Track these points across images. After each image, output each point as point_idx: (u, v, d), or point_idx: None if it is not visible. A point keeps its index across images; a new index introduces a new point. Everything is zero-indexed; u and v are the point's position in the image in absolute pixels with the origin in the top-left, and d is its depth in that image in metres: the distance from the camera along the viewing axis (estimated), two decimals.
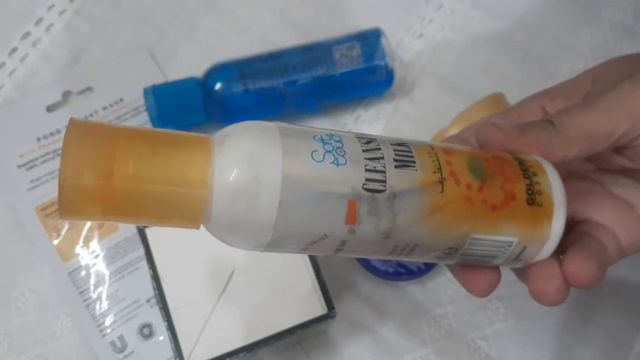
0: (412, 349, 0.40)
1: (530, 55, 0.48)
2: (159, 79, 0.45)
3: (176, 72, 0.46)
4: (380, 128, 0.46)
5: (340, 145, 0.23)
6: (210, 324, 0.34)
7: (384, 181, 0.23)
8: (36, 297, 0.41)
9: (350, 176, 0.22)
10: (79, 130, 0.20)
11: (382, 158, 0.23)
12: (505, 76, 0.47)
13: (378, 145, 0.23)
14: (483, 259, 0.26)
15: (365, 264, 0.41)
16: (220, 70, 0.43)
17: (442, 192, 0.23)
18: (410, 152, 0.24)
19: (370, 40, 0.44)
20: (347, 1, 0.49)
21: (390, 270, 0.40)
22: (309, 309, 0.34)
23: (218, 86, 0.42)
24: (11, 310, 0.40)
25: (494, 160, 0.25)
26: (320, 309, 0.34)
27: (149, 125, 0.44)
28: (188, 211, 0.21)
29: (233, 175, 0.21)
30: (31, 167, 0.43)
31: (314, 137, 0.22)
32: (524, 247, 0.26)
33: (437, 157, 0.24)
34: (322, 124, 0.46)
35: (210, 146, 0.22)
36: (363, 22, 0.47)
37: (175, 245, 0.35)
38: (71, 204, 0.20)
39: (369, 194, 0.22)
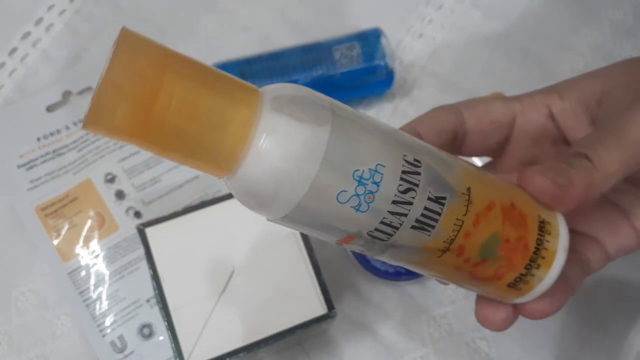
0: (412, 349, 0.40)
1: (530, 55, 0.48)
2: None
3: None
4: None
5: (374, 189, 0.21)
6: (210, 324, 0.34)
7: (392, 235, 0.22)
8: (36, 297, 0.41)
9: (362, 222, 0.22)
10: (129, 44, 0.19)
11: (406, 215, 0.22)
12: (505, 76, 0.47)
13: (413, 198, 0.22)
14: None
15: (365, 263, 0.41)
16: None
17: (439, 257, 0.23)
18: (439, 215, 0.22)
19: (370, 40, 0.44)
20: (347, 1, 0.49)
21: (390, 270, 0.40)
22: (309, 309, 0.34)
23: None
24: (11, 310, 0.40)
25: (515, 243, 0.24)
26: (320, 309, 0.34)
27: None
28: (217, 161, 0.21)
29: (255, 179, 0.20)
30: (31, 167, 0.43)
31: (354, 172, 0.21)
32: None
33: (461, 227, 0.23)
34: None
35: (258, 106, 0.21)
36: (363, 22, 0.47)
37: (175, 245, 0.35)
38: (104, 119, 0.19)
39: (370, 237, 0.22)
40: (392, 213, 0.22)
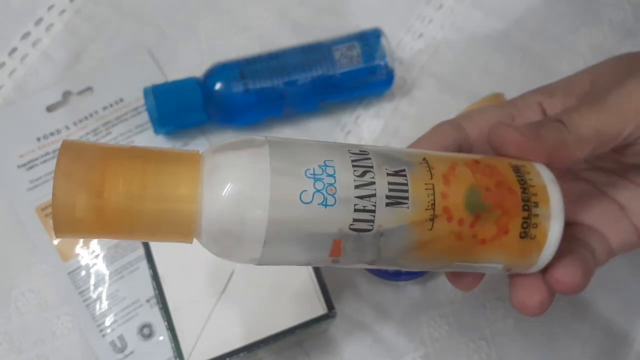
0: (412, 349, 0.40)
1: (530, 55, 0.48)
2: (159, 79, 0.45)
3: (176, 72, 0.46)
4: (380, 128, 0.46)
5: (332, 181, 0.22)
6: (210, 324, 0.34)
7: (372, 221, 0.22)
8: (36, 297, 0.41)
9: (337, 217, 0.22)
10: (70, 151, 0.21)
11: (374, 195, 0.22)
12: (505, 76, 0.47)
13: (373, 178, 0.22)
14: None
15: None
16: (220, 70, 0.43)
17: (431, 229, 0.23)
18: (406, 184, 0.23)
19: (370, 40, 0.44)
20: (347, 1, 0.49)
21: (390, 270, 0.40)
22: (309, 308, 0.34)
23: (218, 86, 0.42)
24: (11, 310, 0.40)
25: (496, 189, 0.24)
26: (320, 309, 0.34)
27: (149, 125, 0.44)
28: (179, 228, 0.22)
29: (219, 214, 0.21)
30: (31, 167, 0.43)
31: (306, 171, 0.21)
32: (509, 269, 0.26)
33: (433, 189, 0.23)
34: (322, 123, 0.46)
35: (201, 164, 0.22)
36: (363, 22, 0.47)
37: (176, 246, 0.35)
38: (65, 223, 0.20)
39: (355, 233, 0.22)
40: (361, 197, 0.22)
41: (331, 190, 0.21)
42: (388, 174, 0.22)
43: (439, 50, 0.48)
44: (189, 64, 0.47)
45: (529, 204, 0.24)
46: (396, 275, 0.41)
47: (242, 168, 0.21)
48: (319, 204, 0.21)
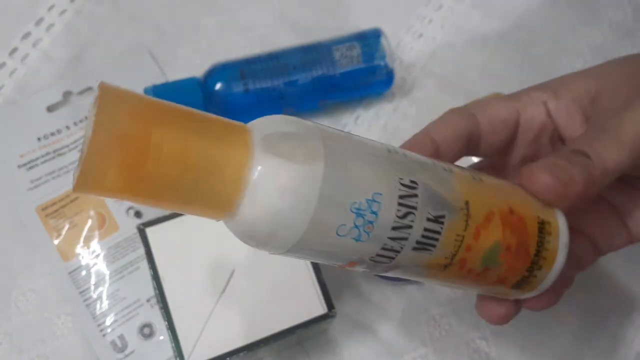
0: (412, 349, 0.41)
1: (530, 56, 0.48)
2: (159, 79, 0.45)
3: (176, 72, 0.47)
4: (380, 128, 0.46)
5: (373, 219, 0.21)
6: (210, 323, 0.34)
7: (394, 258, 0.22)
8: (36, 297, 0.41)
9: (363, 250, 0.22)
10: (111, 100, 0.18)
11: (406, 239, 0.22)
12: (505, 76, 0.47)
13: (412, 222, 0.22)
14: None
15: None
16: (220, 71, 0.43)
17: (442, 271, 0.24)
18: (439, 234, 0.22)
19: (370, 40, 0.44)
20: (347, 1, 0.49)
21: None
22: (309, 308, 0.34)
23: (218, 86, 0.42)
24: (11, 310, 0.40)
25: (515, 248, 0.24)
26: (320, 309, 0.34)
27: None
28: (211, 210, 0.20)
29: (254, 221, 0.20)
30: (32, 167, 0.43)
31: (352, 205, 0.21)
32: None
33: (462, 241, 0.23)
34: (323, 123, 0.46)
35: (250, 147, 0.20)
36: (363, 23, 0.47)
37: (176, 245, 0.35)
38: (94, 180, 0.18)
39: (372, 262, 0.22)
40: (393, 239, 0.22)
41: (368, 228, 0.21)
42: (428, 219, 0.22)
43: (439, 50, 0.48)
44: (189, 64, 0.47)
45: (534, 267, 0.25)
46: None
47: (290, 188, 0.20)
48: (351, 238, 0.21)
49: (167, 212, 0.36)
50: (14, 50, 0.47)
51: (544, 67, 0.48)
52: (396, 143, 0.31)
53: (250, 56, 0.43)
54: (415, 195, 0.22)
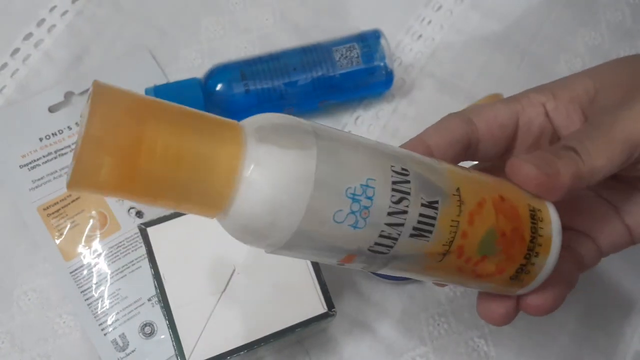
0: (412, 348, 0.41)
1: (529, 56, 0.48)
2: (160, 80, 0.46)
3: (177, 72, 0.47)
4: (379, 129, 0.46)
5: (368, 204, 0.21)
6: (211, 322, 0.34)
7: (392, 247, 0.22)
8: (38, 296, 0.41)
9: (361, 239, 0.22)
10: (105, 97, 0.19)
11: (402, 225, 0.22)
12: (504, 77, 0.48)
13: (407, 207, 0.22)
14: None
15: None
16: (221, 71, 0.43)
17: (440, 261, 0.24)
18: (434, 219, 0.23)
19: (369, 41, 0.44)
20: (347, 3, 0.50)
21: None
22: (309, 307, 0.34)
23: (219, 87, 0.42)
24: (13, 309, 0.41)
25: (510, 235, 0.24)
26: (320, 308, 0.34)
27: None
28: (206, 207, 0.21)
29: (250, 212, 0.20)
30: (33, 167, 0.43)
31: (347, 190, 0.21)
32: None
33: (457, 227, 0.23)
34: (322, 124, 0.46)
35: (242, 140, 0.20)
36: (363, 24, 0.47)
37: (177, 245, 0.35)
38: (88, 177, 0.18)
39: (371, 253, 0.22)
40: (390, 225, 0.22)
41: (365, 213, 0.21)
42: (422, 204, 0.22)
43: (438, 51, 0.49)
44: (190, 64, 0.47)
45: (530, 254, 0.25)
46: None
47: (285, 174, 0.20)
48: (348, 225, 0.21)
49: (168, 212, 0.36)
50: (16, 50, 0.47)
51: (542, 67, 0.48)
52: (396, 143, 0.31)
53: (251, 57, 0.44)
54: (408, 182, 0.22)
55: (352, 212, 0.21)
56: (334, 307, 0.35)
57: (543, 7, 0.50)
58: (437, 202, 0.23)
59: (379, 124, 0.46)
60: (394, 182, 0.22)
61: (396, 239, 0.22)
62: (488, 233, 0.24)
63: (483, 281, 0.26)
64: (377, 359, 0.40)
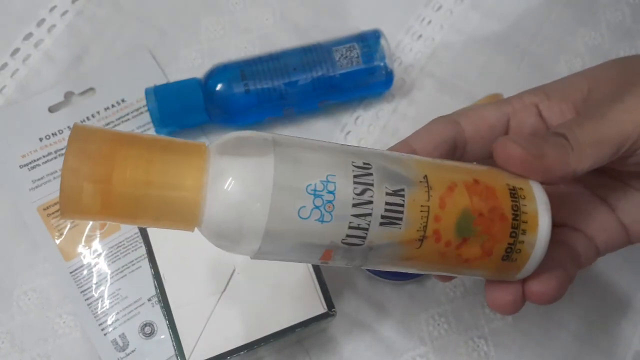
0: (412, 348, 0.41)
1: (529, 56, 0.48)
2: (160, 80, 0.46)
3: (177, 73, 0.47)
4: (379, 129, 0.46)
5: (331, 198, 0.22)
6: (211, 322, 0.34)
7: (364, 237, 0.23)
8: (38, 296, 0.41)
9: (331, 232, 0.22)
10: (81, 135, 0.21)
11: (370, 214, 0.23)
12: (504, 77, 0.48)
13: (371, 197, 0.23)
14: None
15: None
16: (221, 71, 0.43)
17: (419, 248, 0.24)
18: (402, 206, 0.23)
19: (369, 41, 0.44)
20: (347, 3, 0.50)
21: None
22: (309, 307, 0.34)
23: (219, 87, 0.42)
24: (13, 309, 0.41)
25: (488, 214, 0.24)
26: (320, 308, 0.35)
27: (150, 125, 0.45)
28: (181, 218, 0.22)
29: (219, 219, 0.22)
30: (33, 167, 0.43)
31: (307, 187, 0.22)
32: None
33: (428, 212, 0.23)
34: (322, 124, 0.46)
35: (206, 162, 0.22)
36: (363, 24, 0.47)
37: (177, 245, 0.35)
38: (72, 204, 0.21)
39: (346, 246, 0.23)
40: (357, 215, 0.22)
41: (329, 207, 0.22)
42: (387, 194, 0.23)
43: (438, 51, 0.49)
44: (190, 64, 0.47)
45: (517, 231, 0.25)
46: (396, 275, 0.41)
47: (245, 179, 0.22)
48: (315, 220, 0.22)
49: None
50: (16, 50, 0.47)
51: (542, 67, 0.48)
52: (395, 143, 0.31)
53: (251, 57, 0.44)
54: (370, 174, 0.23)
55: (316, 207, 0.22)
56: (334, 307, 0.35)
57: (543, 7, 0.50)
58: (402, 190, 0.23)
59: (379, 124, 0.46)
60: (355, 176, 0.23)
61: (366, 229, 0.23)
62: (463, 214, 0.24)
63: (474, 266, 0.25)
64: (377, 359, 0.41)
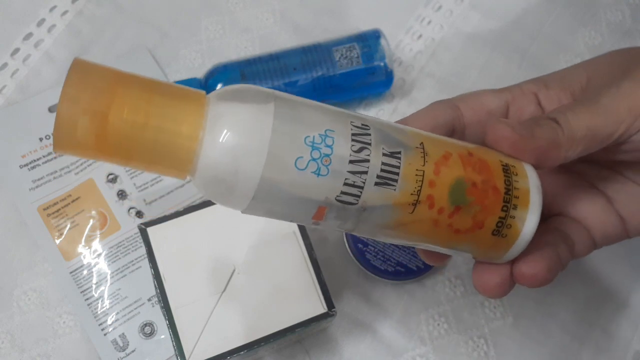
0: (411, 347, 0.41)
1: (529, 56, 0.48)
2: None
3: (177, 73, 0.47)
4: None
5: (329, 152, 0.22)
6: (211, 322, 0.34)
7: (359, 196, 0.23)
8: (38, 296, 0.41)
9: (326, 187, 0.22)
10: (80, 69, 0.21)
11: (366, 173, 0.23)
12: (504, 77, 0.48)
13: (368, 155, 0.23)
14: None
15: (365, 263, 0.41)
16: (221, 71, 0.43)
17: (412, 212, 0.24)
18: (398, 167, 0.23)
19: (369, 41, 0.44)
20: (347, 2, 0.50)
21: (390, 269, 0.41)
22: (309, 307, 0.34)
23: (219, 87, 0.42)
24: (13, 309, 0.41)
25: (482, 185, 0.24)
26: (320, 308, 0.35)
27: None
28: (175, 163, 0.22)
29: (215, 161, 0.22)
30: (33, 167, 0.43)
31: (305, 138, 0.22)
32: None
33: (423, 176, 0.24)
34: None
35: (205, 107, 0.22)
36: (363, 24, 0.47)
37: (177, 245, 0.35)
38: (66, 137, 0.21)
39: (340, 204, 0.23)
40: (353, 172, 0.22)
41: (326, 161, 0.22)
42: (384, 154, 0.23)
43: (438, 51, 0.49)
44: (190, 64, 0.47)
45: (508, 205, 0.25)
46: (395, 275, 0.41)
47: (245, 123, 0.22)
48: (311, 172, 0.22)
49: (168, 212, 0.36)
50: (16, 51, 0.47)
51: (542, 67, 0.48)
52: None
53: (251, 57, 0.44)
54: (368, 134, 0.23)
55: (314, 159, 0.22)
56: (334, 307, 0.35)
57: (543, 7, 0.50)
58: (399, 152, 0.23)
59: None
60: (353, 134, 0.23)
61: (361, 187, 0.23)
62: (457, 182, 0.24)
63: (464, 239, 0.25)
64: (377, 359, 0.41)
